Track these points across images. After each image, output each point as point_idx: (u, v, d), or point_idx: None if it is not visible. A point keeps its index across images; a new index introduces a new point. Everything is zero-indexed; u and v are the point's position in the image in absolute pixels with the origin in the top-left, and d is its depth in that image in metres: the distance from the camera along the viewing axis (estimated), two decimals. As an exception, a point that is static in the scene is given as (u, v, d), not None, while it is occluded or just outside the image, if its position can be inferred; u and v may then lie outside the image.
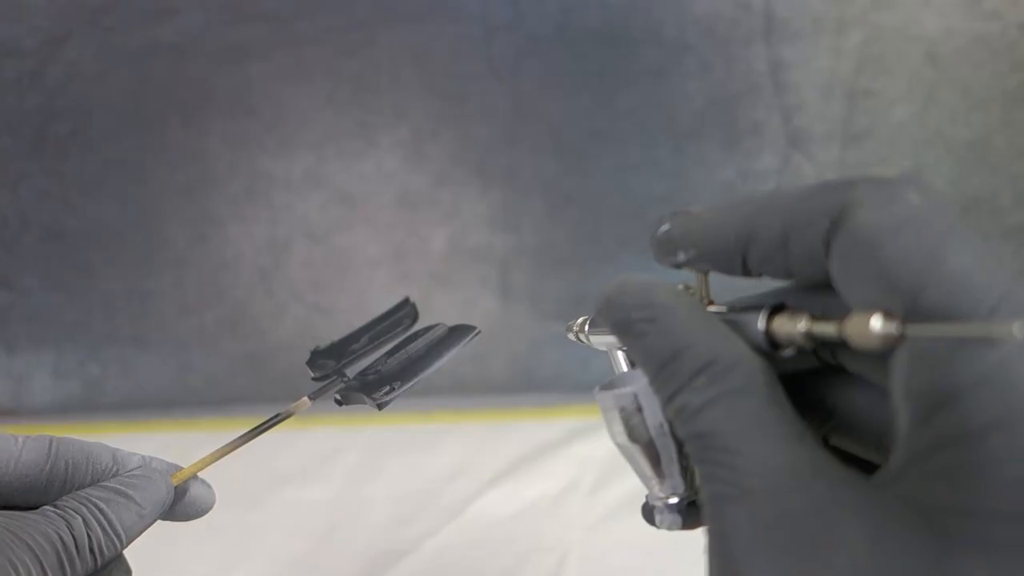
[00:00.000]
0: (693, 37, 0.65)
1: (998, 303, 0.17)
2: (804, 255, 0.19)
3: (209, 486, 0.35)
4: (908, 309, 0.17)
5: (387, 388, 0.35)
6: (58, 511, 0.27)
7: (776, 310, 0.21)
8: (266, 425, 0.34)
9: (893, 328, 0.17)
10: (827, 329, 0.19)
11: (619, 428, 0.23)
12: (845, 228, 0.18)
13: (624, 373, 0.26)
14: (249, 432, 0.34)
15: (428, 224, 0.71)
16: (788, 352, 0.20)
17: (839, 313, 0.19)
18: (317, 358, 0.35)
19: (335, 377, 0.36)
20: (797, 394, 0.21)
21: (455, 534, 0.60)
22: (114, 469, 0.30)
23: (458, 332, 0.35)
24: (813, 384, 0.23)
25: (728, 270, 0.22)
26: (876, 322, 0.17)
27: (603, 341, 0.28)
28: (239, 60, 0.66)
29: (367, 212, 0.71)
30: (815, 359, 0.22)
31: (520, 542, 0.59)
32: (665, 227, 0.24)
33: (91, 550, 0.27)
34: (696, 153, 0.68)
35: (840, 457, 0.21)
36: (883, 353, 0.18)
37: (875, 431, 0.22)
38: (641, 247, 0.72)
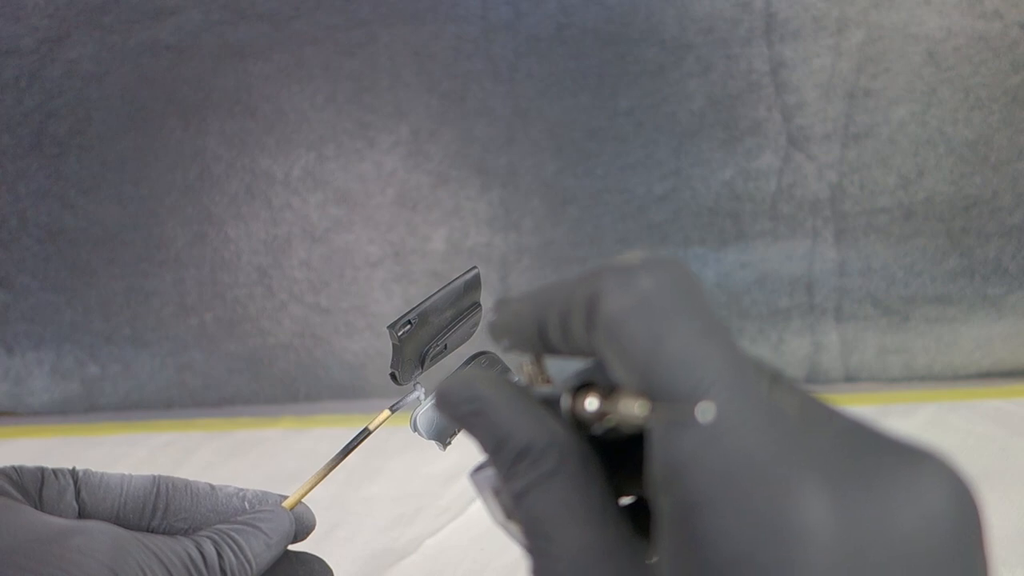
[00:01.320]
0: (693, 36, 0.64)
1: (698, 382, 0.18)
2: (577, 337, 0.21)
3: (309, 509, 0.38)
4: (645, 388, 0.18)
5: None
6: (189, 538, 0.29)
7: (582, 388, 0.22)
8: (355, 443, 0.35)
9: (636, 409, 0.18)
10: (611, 408, 0.20)
11: (494, 507, 0.24)
12: (597, 315, 0.20)
13: None
14: (342, 452, 0.35)
15: (428, 224, 0.71)
16: (597, 429, 0.21)
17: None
18: (403, 352, 0.35)
19: (416, 390, 0.36)
20: (629, 456, 0.22)
21: (455, 534, 0.60)
22: (214, 495, 0.33)
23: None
24: (640, 446, 0.24)
25: (537, 350, 0.23)
26: (626, 404, 0.19)
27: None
28: (239, 60, 0.66)
29: (367, 212, 0.71)
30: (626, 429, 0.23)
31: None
32: (491, 317, 0.25)
33: (222, 569, 0.29)
34: (696, 153, 0.68)
35: None
36: (641, 430, 0.19)
37: None
38: (641, 247, 0.72)
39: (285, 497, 0.36)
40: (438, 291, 0.36)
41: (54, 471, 0.31)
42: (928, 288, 0.71)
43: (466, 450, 0.77)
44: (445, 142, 0.69)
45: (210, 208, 0.71)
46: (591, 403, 0.21)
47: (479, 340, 0.36)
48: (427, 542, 0.59)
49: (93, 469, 0.32)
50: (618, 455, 0.22)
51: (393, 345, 0.35)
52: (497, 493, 0.23)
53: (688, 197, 0.69)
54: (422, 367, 0.36)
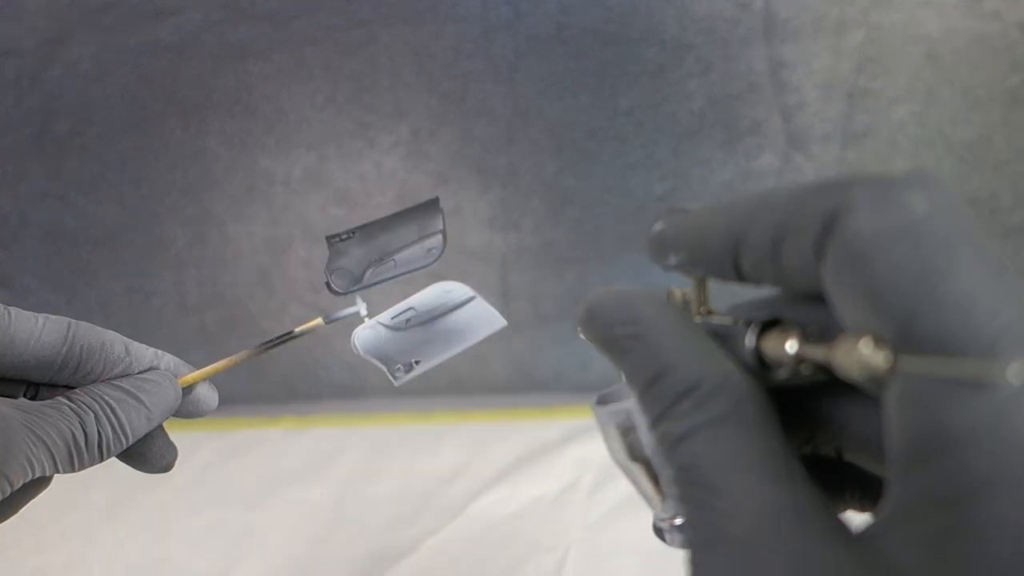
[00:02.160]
0: (693, 37, 0.64)
1: (998, 335, 0.14)
2: (796, 264, 0.17)
3: (213, 388, 0.36)
4: (900, 336, 0.15)
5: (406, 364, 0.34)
6: (73, 406, 0.28)
7: (770, 325, 0.19)
8: (276, 341, 0.34)
9: (882, 359, 0.15)
10: (817, 353, 0.17)
11: (617, 446, 0.22)
12: (837, 236, 0.16)
13: (622, 385, 0.24)
14: (260, 346, 0.34)
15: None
16: (782, 373, 0.19)
17: (838, 329, 0.17)
18: (337, 261, 0.34)
19: (354, 309, 0.35)
20: (805, 407, 0.20)
21: (455, 534, 0.60)
22: (127, 361, 0.32)
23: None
24: (823, 397, 0.20)
25: (722, 275, 0.20)
26: (864, 349, 0.15)
27: None
28: (239, 60, 0.66)
29: (367, 212, 0.71)
30: (815, 376, 0.19)
31: (520, 542, 0.58)
32: (658, 226, 0.21)
33: (99, 447, 0.28)
34: (696, 153, 0.68)
35: (855, 474, 0.19)
36: (875, 386, 0.16)
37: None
38: (641, 247, 0.72)
39: (185, 365, 0.34)
40: (391, 214, 0.34)
41: None
42: (928, 288, 0.71)
43: (467, 448, 0.78)
44: (445, 142, 0.69)
45: (210, 208, 0.71)
46: (791, 345, 0.18)
47: (459, 267, 0.35)
48: (427, 542, 0.59)
49: (3, 308, 0.30)
50: (790, 406, 0.19)
51: (330, 252, 0.32)
52: (626, 433, 0.21)
53: (688, 197, 0.69)
54: (360, 280, 0.34)
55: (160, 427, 0.33)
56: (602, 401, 0.22)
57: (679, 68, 0.65)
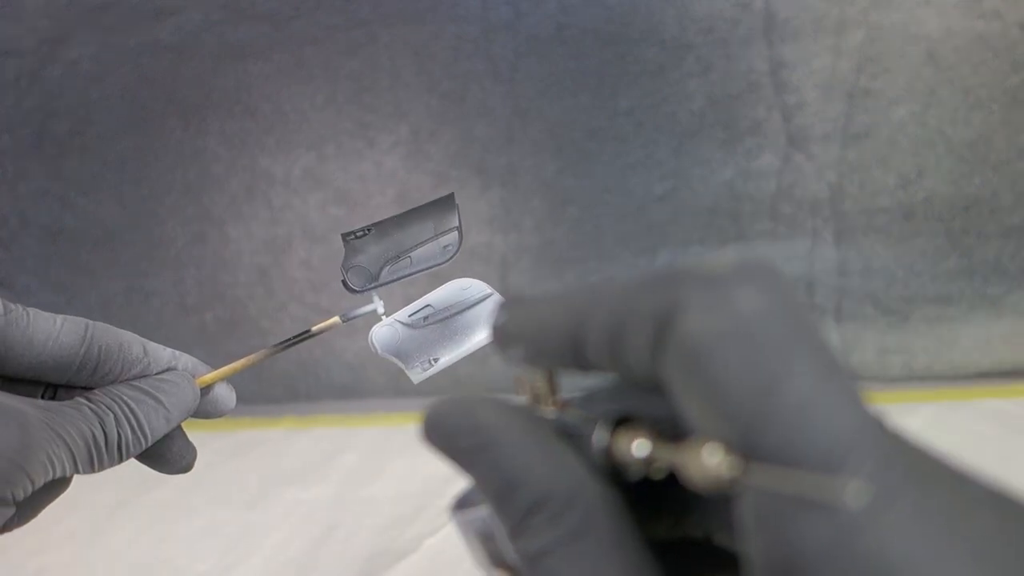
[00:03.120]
0: (693, 36, 0.64)
1: (835, 446, 0.14)
2: (635, 360, 0.16)
3: (231, 388, 0.35)
4: (743, 444, 0.14)
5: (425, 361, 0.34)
6: (93, 406, 0.28)
7: (620, 422, 0.18)
8: (293, 340, 0.34)
9: (725, 468, 0.14)
10: (666, 456, 0.16)
11: (479, 554, 0.21)
12: (671, 338, 0.15)
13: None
14: (277, 345, 0.34)
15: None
16: (634, 474, 0.18)
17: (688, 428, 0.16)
18: (353, 260, 0.33)
19: (371, 307, 0.34)
20: (667, 493, 0.19)
21: (455, 534, 0.60)
22: (145, 361, 0.32)
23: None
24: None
25: (566, 367, 0.19)
26: (710, 456, 0.14)
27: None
28: (238, 60, 0.66)
29: (367, 212, 0.71)
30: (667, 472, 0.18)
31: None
32: (500, 319, 0.20)
33: (119, 447, 0.28)
34: (696, 153, 0.68)
35: (727, 557, 0.19)
36: (724, 493, 0.15)
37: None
38: (641, 247, 0.72)
39: (203, 366, 0.34)
40: (406, 211, 0.33)
41: None
42: (928, 288, 0.71)
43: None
44: (445, 142, 0.69)
45: (210, 208, 0.71)
46: (640, 447, 0.17)
47: (459, 267, 0.35)
48: (427, 542, 0.59)
49: (23, 309, 0.30)
50: (654, 492, 0.18)
51: (345, 250, 0.32)
52: (486, 540, 0.20)
53: (688, 197, 0.69)
54: (377, 278, 0.34)
55: (179, 427, 0.33)
56: (460, 505, 0.21)
57: (679, 68, 0.65)
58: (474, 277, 0.72)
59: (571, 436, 0.18)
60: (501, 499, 0.17)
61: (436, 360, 0.34)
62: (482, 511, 0.20)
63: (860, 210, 0.69)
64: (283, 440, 0.71)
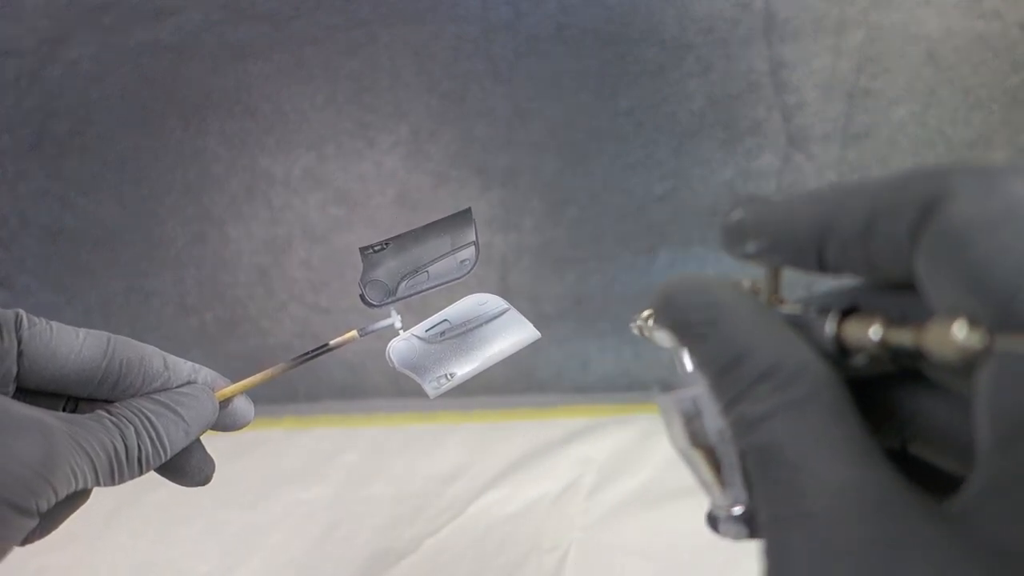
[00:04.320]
0: (693, 36, 0.64)
1: None
2: (888, 249, 0.17)
3: (249, 401, 0.35)
4: (998, 317, 0.15)
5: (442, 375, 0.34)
6: (113, 419, 0.28)
7: (848, 312, 0.19)
8: (312, 354, 0.34)
9: (978, 339, 0.15)
10: (904, 337, 0.17)
11: (679, 432, 0.22)
12: (935, 220, 0.16)
13: (686, 374, 0.23)
14: (295, 359, 0.34)
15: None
16: (860, 360, 0.19)
17: (919, 318, 0.17)
18: (371, 273, 0.34)
19: (390, 320, 0.35)
20: (872, 399, 0.20)
21: (455, 534, 0.60)
22: (166, 375, 0.32)
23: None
24: (890, 388, 0.21)
25: (802, 264, 0.20)
26: (959, 330, 0.15)
27: (667, 338, 0.26)
28: (239, 60, 0.66)
29: (367, 212, 0.71)
30: (892, 365, 0.19)
31: (520, 542, 0.59)
32: (737, 214, 0.21)
33: (139, 460, 0.29)
34: (696, 153, 0.68)
35: (919, 468, 0.19)
36: (966, 367, 0.16)
37: (958, 444, 0.20)
38: (641, 247, 0.72)
39: (222, 379, 0.34)
40: (423, 225, 0.34)
41: (0, 326, 0.29)
42: (928, 288, 0.71)
43: (467, 448, 0.78)
44: (445, 142, 0.69)
45: (210, 208, 0.71)
46: (875, 331, 0.18)
47: (475, 284, 0.36)
48: (427, 542, 0.59)
49: (46, 322, 0.30)
50: (857, 398, 0.19)
51: (363, 264, 0.32)
52: (689, 419, 0.21)
53: (688, 197, 0.69)
54: (395, 292, 0.34)
55: (198, 440, 0.33)
56: (666, 390, 0.22)
57: (679, 68, 0.65)
58: (474, 276, 0.73)
59: (796, 327, 0.19)
60: (728, 369, 0.18)
61: (452, 375, 0.34)
62: (689, 391, 0.21)
63: (860, 210, 0.69)
64: (283, 440, 0.71)
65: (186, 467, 0.33)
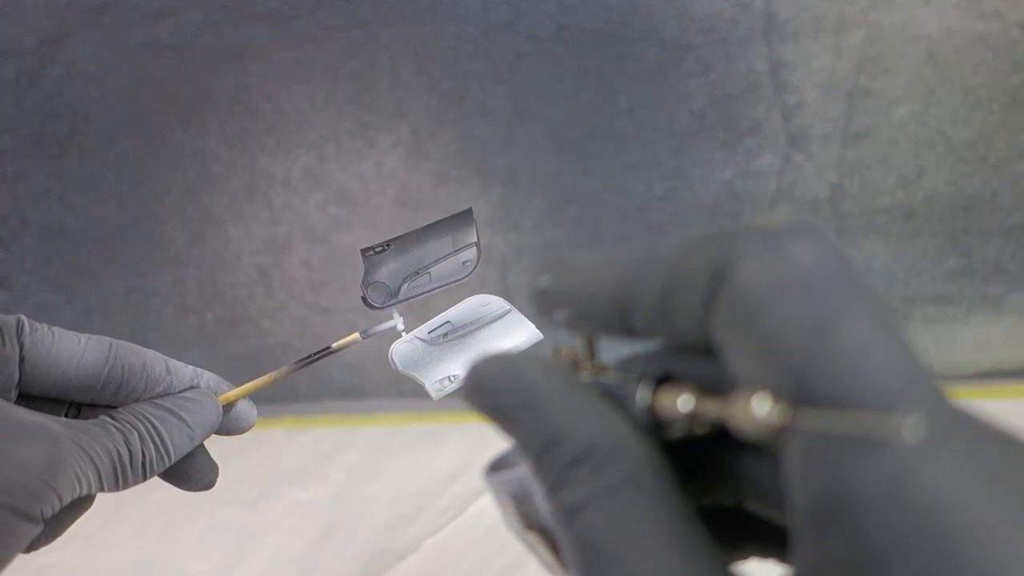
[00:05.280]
0: (693, 36, 0.64)
1: (891, 388, 0.14)
2: (686, 319, 0.17)
3: (252, 404, 0.35)
4: (795, 391, 0.14)
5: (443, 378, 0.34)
6: (117, 424, 0.28)
7: (663, 381, 0.18)
8: (314, 357, 0.34)
9: (778, 415, 0.15)
10: (712, 409, 0.17)
11: (512, 515, 0.21)
12: (725, 290, 0.16)
13: (512, 450, 0.22)
14: (298, 362, 0.34)
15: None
16: (676, 430, 0.18)
17: (731, 384, 0.16)
18: (373, 274, 0.34)
19: (392, 323, 0.34)
20: (701, 458, 0.19)
21: (455, 534, 0.60)
22: (168, 380, 0.32)
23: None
24: (719, 447, 0.20)
25: (610, 332, 0.19)
26: (760, 405, 0.15)
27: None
28: (238, 60, 0.66)
29: (367, 212, 0.71)
30: (711, 429, 0.19)
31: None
32: (544, 281, 0.20)
33: (143, 465, 0.29)
34: (696, 153, 0.68)
35: (757, 523, 0.19)
36: (773, 441, 0.15)
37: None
38: (641, 247, 0.72)
39: (224, 383, 0.34)
40: (424, 226, 0.34)
41: (1, 332, 0.29)
42: (928, 288, 0.71)
43: (467, 448, 0.78)
44: (445, 142, 0.69)
45: (210, 208, 0.71)
46: (685, 402, 0.17)
47: (476, 284, 0.36)
48: (427, 542, 0.59)
49: (48, 328, 0.30)
50: (686, 459, 0.18)
51: (364, 266, 0.32)
52: (520, 501, 0.20)
53: (688, 197, 0.69)
54: (397, 294, 0.34)
55: (201, 445, 0.33)
56: (494, 468, 0.21)
57: (679, 68, 0.65)
58: (474, 276, 0.73)
59: (612, 397, 0.18)
60: (543, 454, 0.17)
61: (455, 377, 0.34)
62: (517, 472, 0.20)
63: (860, 210, 0.69)
64: (283, 440, 0.71)
65: (190, 472, 0.33)
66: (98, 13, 0.64)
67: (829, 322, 0.14)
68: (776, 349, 0.15)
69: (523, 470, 0.19)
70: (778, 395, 0.15)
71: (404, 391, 0.76)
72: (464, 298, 0.35)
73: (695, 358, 0.19)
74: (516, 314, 0.35)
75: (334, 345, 0.35)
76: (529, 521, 0.20)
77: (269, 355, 0.75)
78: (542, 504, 0.19)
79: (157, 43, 0.65)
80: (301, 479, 0.66)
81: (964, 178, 0.68)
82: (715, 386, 0.17)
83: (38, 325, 0.30)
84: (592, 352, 0.20)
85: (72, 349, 0.30)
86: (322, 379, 0.77)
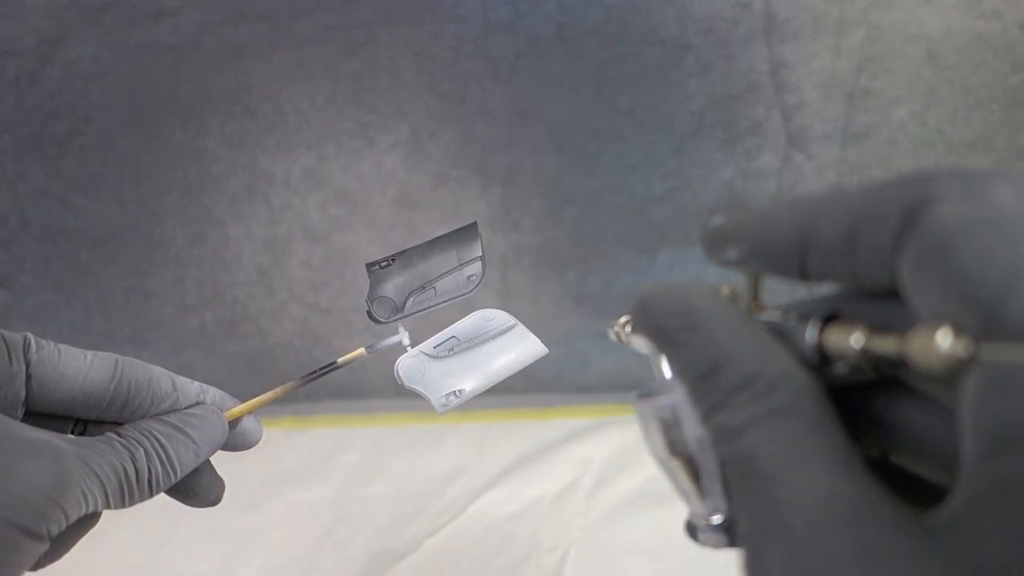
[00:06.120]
0: (693, 36, 0.64)
1: None
2: (871, 255, 0.17)
3: (258, 420, 0.36)
4: (985, 324, 0.15)
5: (450, 392, 0.34)
6: (124, 441, 0.28)
7: (829, 320, 0.19)
8: (319, 373, 0.34)
9: (963, 348, 0.15)
10: (886, 345, 0.17)
11: (657, 440, 0.21)
12: (919, 226, 0.16)
13: (665, 380, 0.23)
14: (303, 378, 0.34)
15: (428, 224, 0.71)
16: (841, 368, 0.18)
17: (903, 326, 0.16)
18: (378, 289, 0.34)
19: (397, 333, 0.35)
20: (854, 407, 0.19)
21: (455, 534, 0.60)
22: (174, 396, 0.32)
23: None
24: (872, 396, 0.20)
25: (784, 272, 0.19)
26: (943, 339, 0.15)
27: (645, 344, 0.25)
28: (239, 60, 0.66)
29: (367, 212, 0.71)
30: (874, 373, 0.19)
31: (520, 542, 0.59)
32: (718, 219, 0.21)
33: (149, 482, 0.29)
34: (696, 153, 0.68)
35: (902, 478, 0.19)
36: (951, 377, 0.15)
37: (942, 454, 0.19)
38: (641, 247, 0.72)
39: (230, 399, 0.34)
40: (429, 240, 0.34)
41: (8, 350, 0.28)
42: (928, 288, 0.71)
43: (467, 448, 0.78)
44: (445, 142, 0.69)
45: (210, 208, 0.71)
46: (856, 338, 0.17)
47: (482, 298, 0.36)
48: (427, 542, 0.59)
49: (54, 345, 0.30)
50: (848, 405, 0.18)
51: (370, 280, 0.32)
52: (668, 427, 0.20)
53: (688, 197, 0.69)
54: (403, 309, 0.34)
55: (207, 461, 0.33)
56: (643, 395, 0.22)
57: (679, 68, 0.65)
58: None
59: (776, 334, 0.19)
60: (706, 377, 0.18)
61: (461, 391, 0.35)
62: (667, 399, 0.20)
63: (860, 210, 0.69)
64: (283, 440, 0.71)
65: (195, 488, 0.33)
66: (98, 13, 0.64)
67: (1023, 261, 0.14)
68: (971, 284, 0.15)
69: (675, 397, 0.20)
70: (963, 329, 0.15)
71: (404, 391, 0.76)
72: (469, 312, 0.35)
73: (862, 302, 0.19)
74: (521, 328, 0.36)
75: (339, 360, 0.35)
76: (674, 448, 0.21)
77: (269, 355, 0.75)
78: (691, 431, 0.19)
79: (157, 43, 0.65)
80: (301, 479, 0.66)
81: (964, 178, 0.68)
82: (884, 327, 0.17)
83: (44, 342, 0.30)
84: (757, 293, 0.21)
85: (78, 366, 0.30)
86: (322, 379, 0.77)
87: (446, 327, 0.35)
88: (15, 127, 0.68)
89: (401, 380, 0.34)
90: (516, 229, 0.71)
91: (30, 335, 0.30)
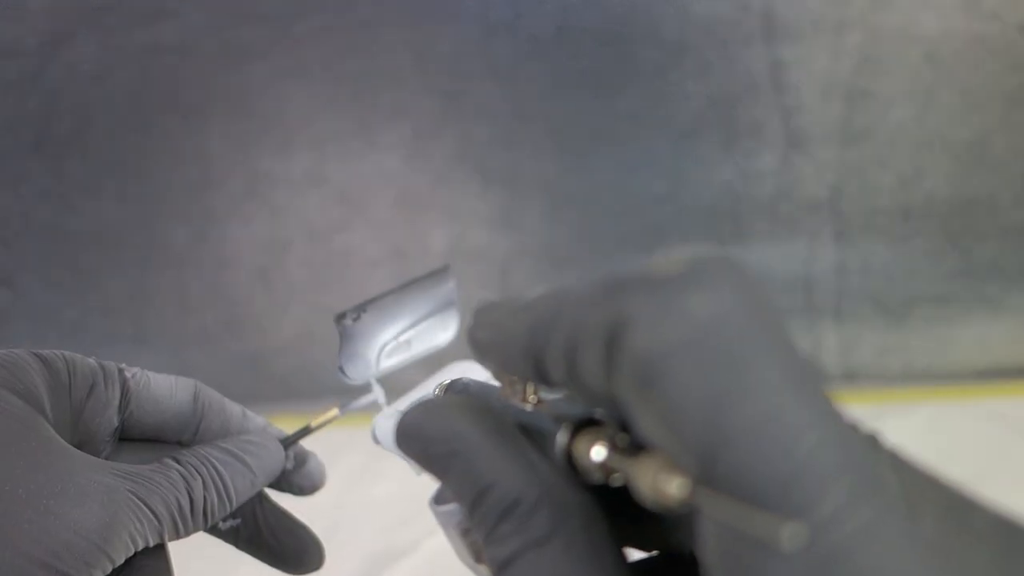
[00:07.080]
0: (693, 37, 0.65)
1: (801, 468, 0.12)
2: (590, 379, 0.15)
3: (322, 463, 0.35)
4: (700, 468, 0.13)
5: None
6: (182, 469, 0.28)
7: (585, 425, 0.17)
8: (293, 438, 0.33)
9: (674, 489, 0.13)
10: (622, 465, 0.15)
11: (460, 547, 0.20)
12: (623, 351, 0.14)
13: None
14: (280, 441, 0.33)
15: (428, 224, 0.71)
16: (594, 479, 0.17)
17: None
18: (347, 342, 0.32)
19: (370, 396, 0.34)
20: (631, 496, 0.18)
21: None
22: (244, 425, 0.32)
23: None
24: None
25: (537, 382, 0.18)
26: (660, 476, 0.13)
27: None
28: (239, 60, 0.66)
29: (367, 212, 0.71)
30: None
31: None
32: (472, 329, 0.19)
33: (204, 513, 0.28)
34: (695, 153, 0.68)
35: (690, 565, 0.18)
36: (667, 512, 0.14)
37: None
38: (641, 247, 0.72)
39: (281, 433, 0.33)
40: (400, 285, 0.32)
41: (104, 376, 0.28)
42: (926, 288, 0.71)
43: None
44: (445, 142, 0.69)
45: (211, 208, 0.71)
46: (597, 452, 0.16)
47: (458, 348, 0.35)
48: (427, 542, 0.59)
49: (142, 371, 0.30)
50: (619, 500, 0.17)
51: (340, 336, 0.31)
52: (466, 533, 0.20)
53: (688, 197, 0.69)
54: (376, 365, 0.33)
55: (261, 492, 0.32)
56: (439, 500, 0.21)
57: (679, 68, 0.66)
58: (474, 277, 0.72)
59: (541, 437, 0.18)
60: (475, 503, 0.17)
61: None
62: (455, 506, 0.20)
63: (859, 211, 0.69)
64: (283, 440, 0.71)
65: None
66: (100, 14, 0.64)
67: (728, 391, 0.13)
68: (674, 422, 0.13)
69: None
70: (680, 467, 0.13)
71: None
72: (445, 365, 0.33)
73: None
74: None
75: (313, 424, 0.34)
76: (478, 554, 0.20)
77: (269, 355, 0.75)
78: None
79: (158, 44, 0.65)
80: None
81: (962, 179, 0.68)
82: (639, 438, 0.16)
83: (135, 370, 0.29)
84: (529, 386, 0.19)
85: (166, 390, 0.30)
86: (321, 379, 0.77)
87: (423, 382, 0.32)
88: (17, 128, 0.68)
89: (378, 442, 0.32)
90: (516, 229, 0.71)
91: (123, 365, 0.29)
